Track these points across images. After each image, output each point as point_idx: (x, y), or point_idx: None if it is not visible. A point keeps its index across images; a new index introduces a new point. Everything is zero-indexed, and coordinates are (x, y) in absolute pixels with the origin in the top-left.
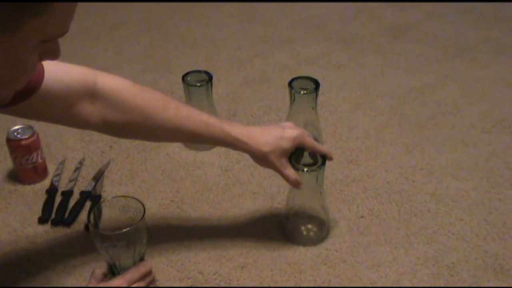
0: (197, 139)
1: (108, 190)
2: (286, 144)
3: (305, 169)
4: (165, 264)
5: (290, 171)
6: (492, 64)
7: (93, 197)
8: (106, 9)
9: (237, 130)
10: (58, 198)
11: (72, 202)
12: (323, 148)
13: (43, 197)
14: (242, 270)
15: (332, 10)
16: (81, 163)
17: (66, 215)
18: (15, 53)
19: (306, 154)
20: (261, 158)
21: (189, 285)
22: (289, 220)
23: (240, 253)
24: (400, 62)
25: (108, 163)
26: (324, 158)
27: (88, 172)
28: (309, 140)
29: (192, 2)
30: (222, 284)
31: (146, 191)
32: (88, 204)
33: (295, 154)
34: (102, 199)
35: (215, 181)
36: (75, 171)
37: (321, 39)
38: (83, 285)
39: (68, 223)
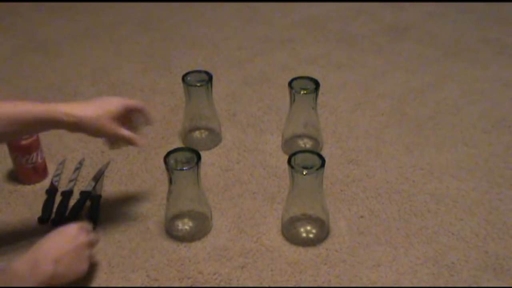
0: (26, 122)
1: (108, 190)
2: (114, 107)
3: (305, 172)
4: (165, 264)
5: (124, 131)
6: (492, 64)
7: (93, 197)
8: (106, 9)
9: (62, 106)
10: (58, 198)
11: (72, 202)
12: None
13: (43, 197)
14: (242, 270)
15: (332, 10)
16: (81, 163)
17: (66, 215)
18: None
19: (305, 155)
20: (93, 125)
21: (189, 285)
22: (289, 221)
23: (240, 253)
24: (400, 62)
25: (108, 163)
26: (324, 159)
27: (88, 172)
28: (132, 101)
29: (192, 2)
30: (222, 284)
31: (146, 191)
32: (88, 204)
33: (294, 156)
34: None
35: (215, 181)
36: (75, 171)
37: (321, 39)
38: (83, 284)
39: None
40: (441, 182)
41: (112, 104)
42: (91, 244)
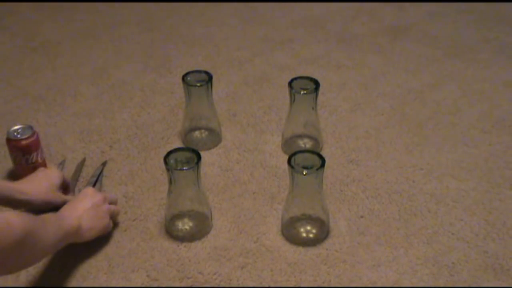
0: None
1: (108, 190)
2: (57, 181)
3: (305, 172)
4: (165, 264)
5: (67, 197)
6: (492, 64)
7: None
8: (106, 9)
9: (11, 183)
10: None
11: None
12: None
13: None
14: (242, 270)
15: (332, 10)
16: (82, 163)
17: None
18: None
19: (305, 155)
20: (42, 202)
21: (189, 285)
22: (289, 221)
23: (240, 253)
24: (400, 62)
25: (105, 162)
26: (324, 159)
27: (88, 172)
28: (65, 176)
29: (192, 2)
30: (222, 284)
31: (146, 191)
32: None
33: (294, 156)
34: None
35: (215, 181)
36: (75, 171)
37: (321, 39)
38: (83, 285)
39: None
40: (441, 182)
41: (55, 178)
42: (106, 198)
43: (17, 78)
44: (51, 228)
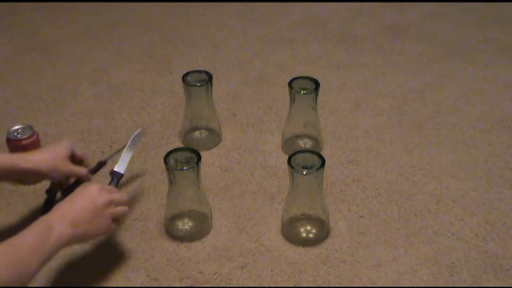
0: None
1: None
2: (64, 150)
3: (305, 172)
4: (165, 264)
5: (76, 168)
6: (492, 64)
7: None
8: (106, 9)
9: (16, 154)
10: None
11: None
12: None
13: (43, 197)
14: (242, 270)
15: (332, 10)
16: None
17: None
18: None
19: (305, 155)
20: (49, 168)
21: (189, 285)
22: (289, 221)
23: (240, 253)
24: (400, 62)
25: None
26: (324, 159)
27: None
28: (76, 148)
29: (192, 2)
30: (222, 284)
31: (146, 191)
32: None
33: (294, 156)
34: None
35: (215, 181)
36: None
37: (321, 39)
38: (84, 285)
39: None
40: (441, 182)
41: (62, 147)
42: (112, 202)
43: (17, 78)
44: (30, 255)
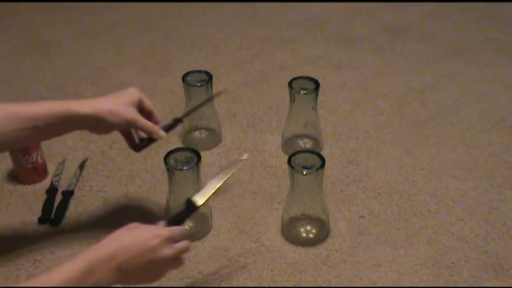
0: (42, 121)
1: (109, 190)
2: (128, 96)
3: (305, 172)
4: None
5: (144, 120)
6: (492, 64)
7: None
8: (106, 9)
9: (77, 102)
10: (58, 198)
11: (72, 202)
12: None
13: (43, 197)
14: (242, 270)
15: (332, 10)
16: (83, 163)
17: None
18: None
19: (305, 155)
20: (109, 112)
21: (189, 285)
22: (289, 221)
23: (240, 253)
24: (400, 62)
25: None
26: (324, 159)
27: (88, 172)
28: (147, 100)
29: (192, 2)
30: (222, 284)
31: (146, 191)
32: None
33: (294, 156)
34: None
35: None
36: (76, 171)
37: (321, 39)
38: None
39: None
40: (441, 182)
41: (129, 92)
42: (172, 258)
43: (17, 78)
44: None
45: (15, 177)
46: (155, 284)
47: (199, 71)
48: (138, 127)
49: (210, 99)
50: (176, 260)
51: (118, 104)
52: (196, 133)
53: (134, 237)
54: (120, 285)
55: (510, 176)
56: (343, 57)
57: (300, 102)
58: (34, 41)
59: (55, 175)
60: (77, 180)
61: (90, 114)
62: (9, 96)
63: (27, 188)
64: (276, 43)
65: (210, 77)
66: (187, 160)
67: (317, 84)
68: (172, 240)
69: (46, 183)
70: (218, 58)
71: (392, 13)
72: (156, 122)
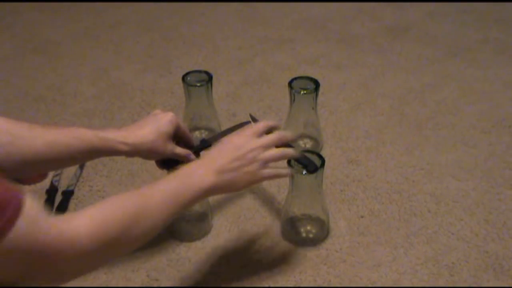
0: (72, 153)
1: (109, 190)
2: (167, 128)
3: (305, 172)
4: (165, 264)
5: (179, 149)
6: (492, 64)
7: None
8: (106, 9)
9: (113, 133)
10: (58, 198)
11: (72, 202)
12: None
13: (43, 197)
14: (242, 270)
15: (332, 10)
16: (83, 163)
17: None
18: None
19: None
20: (148, 151)
21: (189, 285)
22: (289, 221)
23: (240, 253)
24: (400, 62)
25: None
26: (323, 159)
27: (88, 172)
28: (182, 124)
29: (192, 2)
30: (222, 284)
31: None
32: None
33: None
34: None
35: None
36: (76, 171)
37: (321, 39)
38: (84, 285)
39: None
40: (441, 182)
41: (165, 125)
42: (261, 147)
43: (17, 78)
44: (164, 204)
45: (15, 177)
46: (156, 284)
47: (199, 71)
48: (174, 158)
49: (235, 128)
50: (263, 163)
51: (157, 140)
52: (196, 133)
53: (223, 142)
54: (222, 189)
55: (510, 176)
56: (343, 57)
57: (300, 102)
58: (34, 41)
59: (55, 175)
60: (77, 180)
61: (129, 152)
62: (9, 96)
63: (27, 188)
64: (276, 43)
65: (210, 77)
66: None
67: (317, 84)
68: (259, 133)
69: (46, 183)
70: (218, 58)
71: (392, 13)
72: (189, 144)
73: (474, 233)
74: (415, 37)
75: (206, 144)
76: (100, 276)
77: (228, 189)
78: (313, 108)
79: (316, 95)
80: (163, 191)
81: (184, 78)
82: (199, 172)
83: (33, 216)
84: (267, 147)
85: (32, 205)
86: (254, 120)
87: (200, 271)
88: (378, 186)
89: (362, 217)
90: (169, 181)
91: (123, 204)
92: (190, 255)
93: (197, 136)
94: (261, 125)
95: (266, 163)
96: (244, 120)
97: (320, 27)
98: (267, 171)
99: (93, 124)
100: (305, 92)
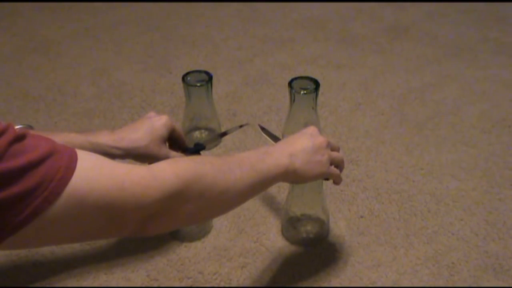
0: None
1: None
2: (161, 132)
3: None
4: (165, 264)
5: (173, 153)
6: (492, 64)
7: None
8: (106, 9)
9: (105, 137)
10: None
11: None
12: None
13: None
14: (242, 270)
15: (332, 10)
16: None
17: None
18: None
19: None
20: (141, 155)
21: (189, 285)
22: (289, 221)
23: (240, 253)
24: (400, 62)
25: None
26: None
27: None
28: (177, 127)
29: (192, 2)
30: (222, 284)
31: None
32: None
33: None
34: None
35: None
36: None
37: (321, 39)
38: (84, 285)
39: None
40: (441, 182)
41: (160, 129)
42: (329, 145)
43: (17, 78)
44: (240, 168)
45: None
46: (156, 284)
47: (199, 71)
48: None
49: (234, 129)
50: (333, 162)
51: (151, 144)
52: (196, 133)
53: (301, 134)
54: (293, 175)
55: (510, 176)
56: (343, 57)
57: (300, 102)
58: (34, 41)
59: None
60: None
61: (121, 156)
62: (9, 96)
63: None
64: (276, 43)
65: (210, 77)
66: None
67: (317, 84)
68: (329, 143)
69: None
70: (218, 58)
71: (392, 13)
72: (183, 147)
73: (474, 233)
74: (415, 37)
75: (200, 147)
76: (100, 276)
77: (298, 175)
78: (313, 108)
79: (316, 95)
80: (242, 158)
81: (184, 78)
82: (275, 153)
83: (100, 161)
84: (333, 148)
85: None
86: (264, 130)
87: (200, 271)
88: (378, 186)
89: (362, 217)
90: (249, 153)
91: (202, 159)
92: (190, 255)
93: (197, 136)
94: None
95: (332, 163)
96: (244, 121)
97: (320, 27)
98: (333, 168)
99: (93, 124)
100: (305, 92)
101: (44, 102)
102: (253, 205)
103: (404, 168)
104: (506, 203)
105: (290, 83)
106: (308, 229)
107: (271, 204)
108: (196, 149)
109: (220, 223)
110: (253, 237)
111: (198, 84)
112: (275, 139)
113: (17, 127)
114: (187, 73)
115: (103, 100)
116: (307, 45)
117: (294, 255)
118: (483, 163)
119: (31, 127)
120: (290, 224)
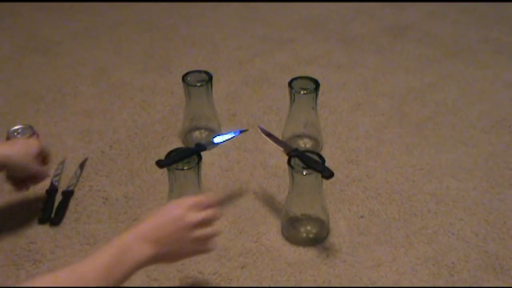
0: None
1: (109, 190)
2: (36, 148)
3: (305, 172)
4: (165, 264)
5: (44, 168)
6: (492, 64)
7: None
8: (106, 9)
9: None
10: (58, 198)
11: (72, 202)
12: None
13: (43, 197)
14: (242, 270)
15: (332, 10)
16: (83, 163)
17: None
18: None
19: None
20: (22, 162)
21: (189, 285)
22: (289, 221)
23: (240, 253)
24: (400, 62)
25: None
26: (323, 159)
27: (88, 172)
28: (43, 146)
29: (192, 2)
30: (222, 284)
31: (146, 191)
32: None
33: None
34: None
35: (215, 181)
36: (76, 171)
37: (321, 39)
38: None
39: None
40: (441, 182)
41: (34, 145)
42: (201, 224)
43: (17, 78)
44: (97, 281)
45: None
46: (156, 284)
47: (199, 71)
48: (37, 176)
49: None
50: (205, 240)
51: (27, 155)
52: (196, 133)
53: (162, 211)
54: (162, 260)
55: (510, 176)
56: (343, 57)
57: (300, 102)
58: (34, 41)
59: (55, 175)
60: (77, 180)
61: (3, 162)
62: (9, 96)
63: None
64: (276, 43)
65: (210, 77)
66: (188, 160)
67: (317, 84)
68: (199, 206)
69: (46, 183)
70: (218, 58)
71: (392, 13)
72: (47, 163)
73: (474, 233)
74: (415, 37)
75: (201, 148)
76: None
77: (168, 259)
78: (313, 108)
79: (316, 95)
80: (96, 268)
81: (184, 78)
82: (137, 246)
83: None
84: (206, 223)
85: None
86: (264, 131)
87: (200, 271)
88: (378, 186)
89: (362, 217)
90: (102, 256)
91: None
92: None
93: (197, 136)
94: (203, 199)
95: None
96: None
97: (320, 27)
98: (207, 247)
99: (93, 124)
100: (305, 92)
101: (44, 102)
102: (253, 205)
103: (404, 168)
104: (506, 203)
105: (290, 83)
106: (308, 229)
107: (271, 204)
108: (197, 150)
109: (220, 223)
110: (253, 237)
111: (198, 84)
112: (275, 139)
113: (17, 127)
114: (187, 73)
115: (103, 100)
116: (307, 45)
117: (294, 255)
118: (483, 163)
119: (31, 127)
120: (290, 224)
